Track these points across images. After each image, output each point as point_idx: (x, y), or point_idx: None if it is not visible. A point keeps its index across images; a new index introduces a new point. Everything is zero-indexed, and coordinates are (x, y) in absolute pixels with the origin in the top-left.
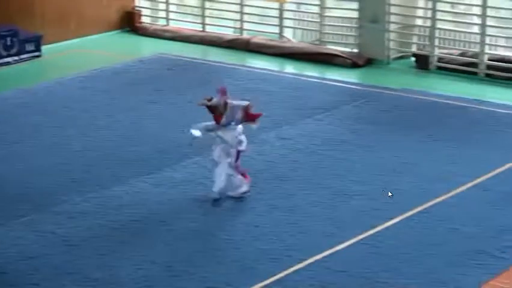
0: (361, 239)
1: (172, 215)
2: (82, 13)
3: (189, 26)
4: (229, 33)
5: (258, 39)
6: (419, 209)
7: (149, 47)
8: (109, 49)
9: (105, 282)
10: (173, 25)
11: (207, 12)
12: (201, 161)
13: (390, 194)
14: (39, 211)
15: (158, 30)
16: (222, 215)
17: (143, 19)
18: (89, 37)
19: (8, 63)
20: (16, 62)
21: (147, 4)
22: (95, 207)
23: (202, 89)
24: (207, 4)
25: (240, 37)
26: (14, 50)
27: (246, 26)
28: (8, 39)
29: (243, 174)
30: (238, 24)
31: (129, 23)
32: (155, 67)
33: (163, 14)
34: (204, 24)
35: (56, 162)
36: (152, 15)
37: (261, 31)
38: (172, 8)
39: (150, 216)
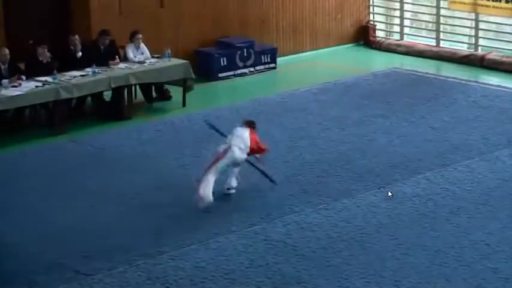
0: None
1: (401, 230)
2: (316, 27)
3: (423, 41)
4: (463, 49)
5: (493, 55)
6: None
7: (382, 61)
8: (342, 62)
9: None
10: (407, 40)
11: (442, 28)
12: (432, 176)
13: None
14: (270, 220)
15: (392, 45)
16: (450, 232)
17: (378, 33)
18: (322, 50)
19: (244, 74)
20: (252, 73)
21: (382, 19)
22: (324, 218)
23: (434, 104)
24: (442, 19)
25: (474, 53)
26: (250, 62)
27: (481, 42)
28: (245, 50)
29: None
30: (472, 40)
31: (363, 37)
32: (387, 81)
33: (397, 28)
34: (438, 39)
35: (289, 172)
36: (387, 29)
37: (496, 47)
38: (406, 22)
39: (379, 230)
